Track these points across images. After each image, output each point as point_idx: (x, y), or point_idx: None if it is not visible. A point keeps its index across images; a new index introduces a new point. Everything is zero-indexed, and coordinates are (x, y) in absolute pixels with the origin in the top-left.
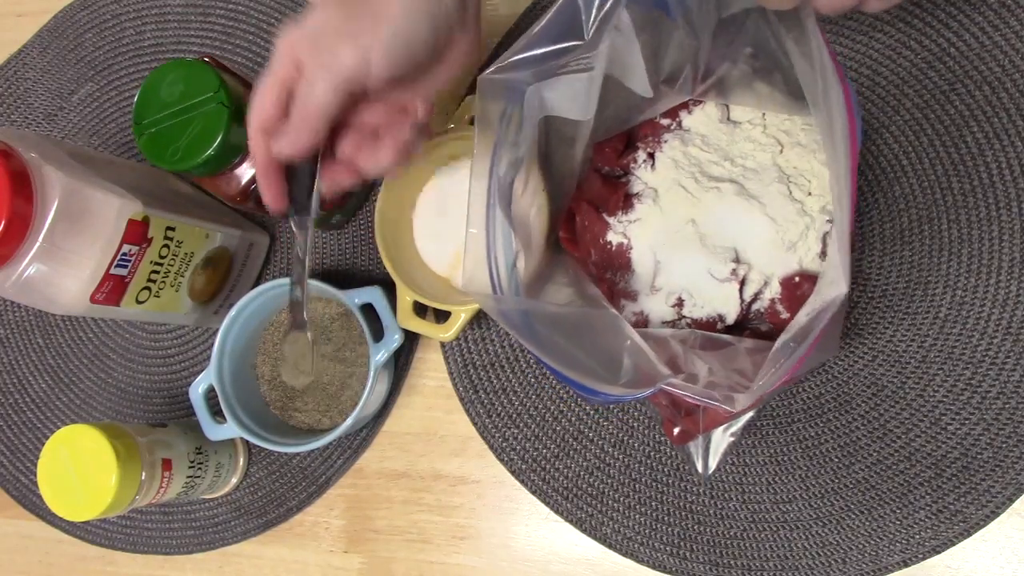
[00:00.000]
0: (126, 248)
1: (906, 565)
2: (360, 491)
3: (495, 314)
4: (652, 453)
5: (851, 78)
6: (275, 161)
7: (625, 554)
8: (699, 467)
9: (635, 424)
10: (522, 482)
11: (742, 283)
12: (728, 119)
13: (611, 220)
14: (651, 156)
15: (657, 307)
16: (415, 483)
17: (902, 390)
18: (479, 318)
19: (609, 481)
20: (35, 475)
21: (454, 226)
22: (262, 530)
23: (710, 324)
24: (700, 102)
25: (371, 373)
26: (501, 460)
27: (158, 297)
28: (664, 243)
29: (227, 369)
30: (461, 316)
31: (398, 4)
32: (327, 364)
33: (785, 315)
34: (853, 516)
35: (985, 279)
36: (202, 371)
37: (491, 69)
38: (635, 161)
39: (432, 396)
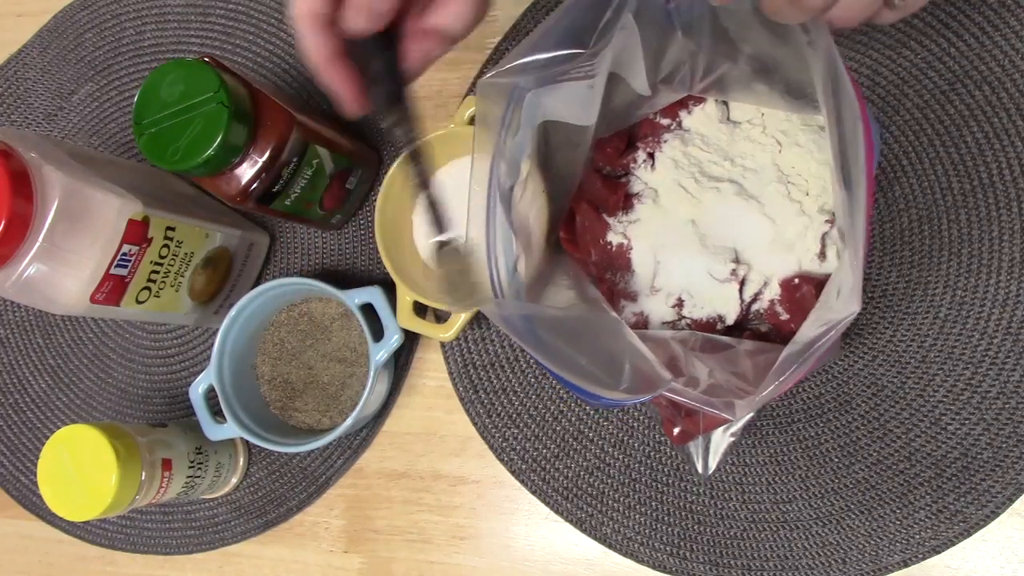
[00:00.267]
0: (126, 248)
1: (906, 565)
2: (360, 491)
3: (496, 319)
4: (652, 453)
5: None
6: (339, 50)
7: (625, 554)
8: (699, 467)
9: (635, 424)
10: (522, 482)
11: (742, 283)
12: (728, 119)
13: (611, 220)
14: (651, 156)
15: (657, 307)
16: (415, 483)
17: (902, 390)
18: (479, 318)
19: (609, 481)
20: (35, 475)
21: (454, 226)
22: (262, 530)
23: (710, 324)
24: (700, 101)
25: (371, 373)
26: (501, 460)
27: (158, 297)
28: (664, 243)
29: (227, 369)
30: (461, 316)
31: None
32: (327, 364)
33: (785, 316)
34: (853, 516)
35: (985, 279)
36: (202, 371)
37: (492, 73)
38: (635, 161)
39: (432, 396)
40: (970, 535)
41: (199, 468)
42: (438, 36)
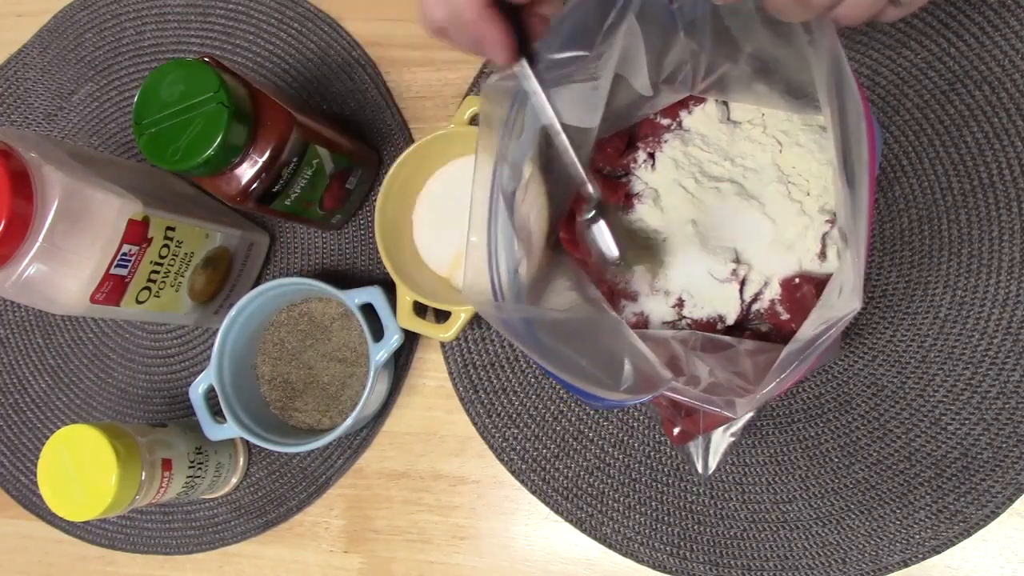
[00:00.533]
0: (126, 248)
1: (906, 565)
2: (360, 491)
3: (496, 323)
4: (652, 453)
5: None
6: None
7: (625, 554)
8: (699, 467)
9: (635, 424)
10: (522, 482)
11: (742, 283)
12: (728, 119)
13: None
14: (651, 156)
15: (657, 307)
16: (415, 483)
17: (902, 390)
18: (479, 318)
19: (609, 481)
20: (35, 475)
21: (454, 226)
22: (262, 530)
23: (710, 324)
24: (700, 101)
25: (371, 373)
26: (501, 460)
27: (158, 297)
28: (664, 243)
29: (227, 369)
30: (461, 316)
31: None
32: (327, 364)
33: (785, 316)
34: (853, 516)
35: (985, 279)
36: (202, 371)
37: (496, 77)
38: (635, 161)
39: (432, 396)
40: (970, 535)
41: (199, 468)
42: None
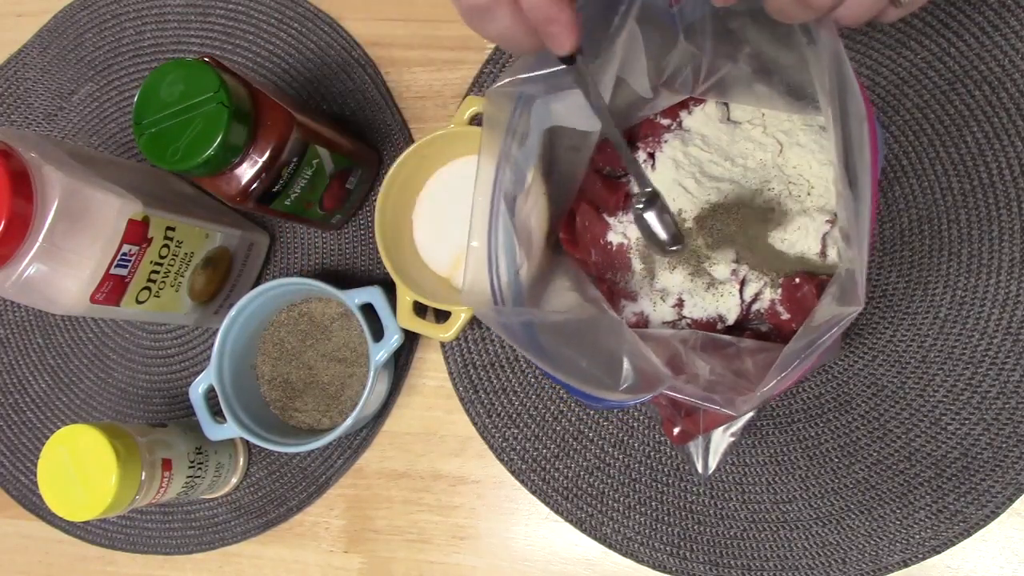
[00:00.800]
0: (126, 248)
1: (906, 565)
2: (360, 491)
3: (496, 327)
4: (652, 453)
5: None
6: None
7: (625, 554)
8: (699, 467)
9: (635, 424)
10: (522, 482)
11: (742, 283)
12: (728, 119)
13: (611, 220)
14: (651, 156)
15: (657, 307)
16: (415, 483)
17: (902, 390)
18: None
19: (609, 481)
20: (35, 475)
21: (454, 226)
22: (262, 530)
23: (710, 324)
24: (700, 102)
25: (371, 373)
26: (501, 460)
27: (158, 297)
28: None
29: (227, 369)
30: (461, 316)
31: None
32: (327, 364)
33: (786, 316)
34: (853, 516)
35: (985, 279)
36: (202, 371)
37: (500, 84)
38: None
39: (432, 396)
40: (970, 535)
41: (199, 468)
42: None
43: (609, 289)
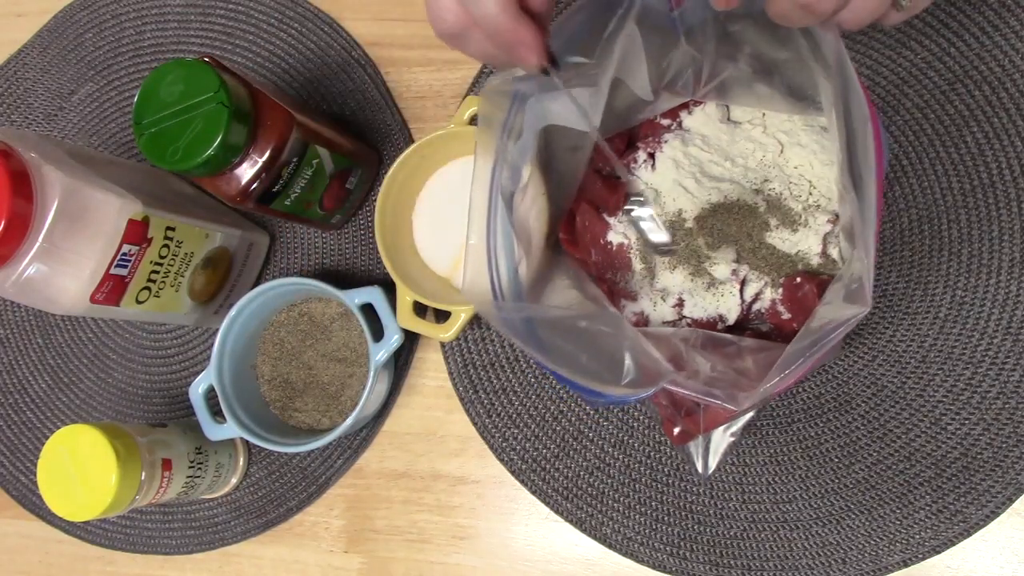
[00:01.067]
0: (126, 248)
1: (906, 565)
2: (360, 491)
3: (496, 323)
4: (652, 453)
5: None
6: (520, 5)
7: (625, 554)
8: (699, 467)
9: (635, 424)
10: (522, 482)
11: (742, 283)
12: (728, 119)
13: (611, 220)
14: (651, 156)
15: (657, 307)
16: (415, 483)
17: (902, 390)
18: (479, 318)
19: (609, 481)
20: (35, 475)
21: (454, 226)
22: (262, 530)
23: (710, 324)
24: (701, 102)
25: (371, 373)
26: (501, 460)
27: (158, 297)
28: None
29: (227, 369)
30: (461, 316)
31: None
32: (327, 364)
33: (786, 315)
34: (853, 516)
35: (985, 279)
36: (202, 371)
37: (496, 82)
38: (635, 161)
39: (432, 396)
40: (970, 535)
41: (199, 468)
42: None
43: (609, 289)
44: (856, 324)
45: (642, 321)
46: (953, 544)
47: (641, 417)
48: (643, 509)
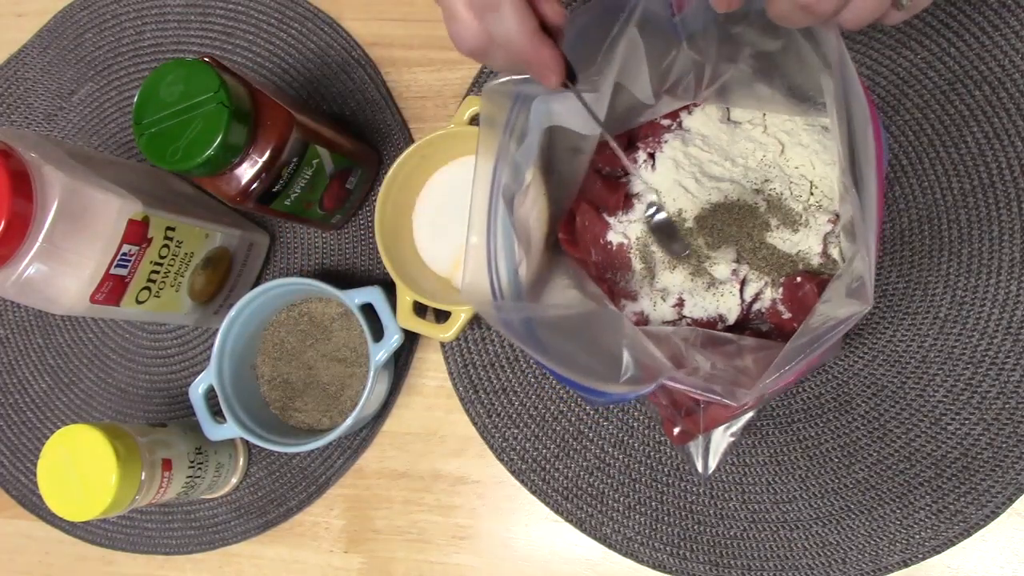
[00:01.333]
0: (126, 248)
1: (906, 565)
2: (360, 491)
3: (496, 323)
4: (652, 453)
5: None
6: (539, 24)
7: (625, 554)
8: (699, 467)
9: (635, 424)
10: (522, 482)
11: (742, 283)
12: (728, 119)
13: (611, 220)
14: (651, 156)
15: (657, 307)
16: (415, 483)
17: (902, 390)
18: (479, 318)
19: (609, 481)
20: (35, 475)
21: (454, 226)
22: (262, 530)
23: (711, 324)
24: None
25: (371, 373)
26: (501, 460)
27: (158, 297)
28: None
29: (227, 369)
30: (461, 316)
31: None
32: (327, 364)
33: (787, 315)
34: (853, 516)
35: (985, 279)
36: (202, 371)
37: (497, 82)
38: (635, 161)
39: (432, 396)
40: (970, 535)
41: (199, 468)
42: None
43: (609, 289)
44: (856, 322)
45: (642, 321)
46: (953, 544)
47: (641, 417)
48: (643, 509)
